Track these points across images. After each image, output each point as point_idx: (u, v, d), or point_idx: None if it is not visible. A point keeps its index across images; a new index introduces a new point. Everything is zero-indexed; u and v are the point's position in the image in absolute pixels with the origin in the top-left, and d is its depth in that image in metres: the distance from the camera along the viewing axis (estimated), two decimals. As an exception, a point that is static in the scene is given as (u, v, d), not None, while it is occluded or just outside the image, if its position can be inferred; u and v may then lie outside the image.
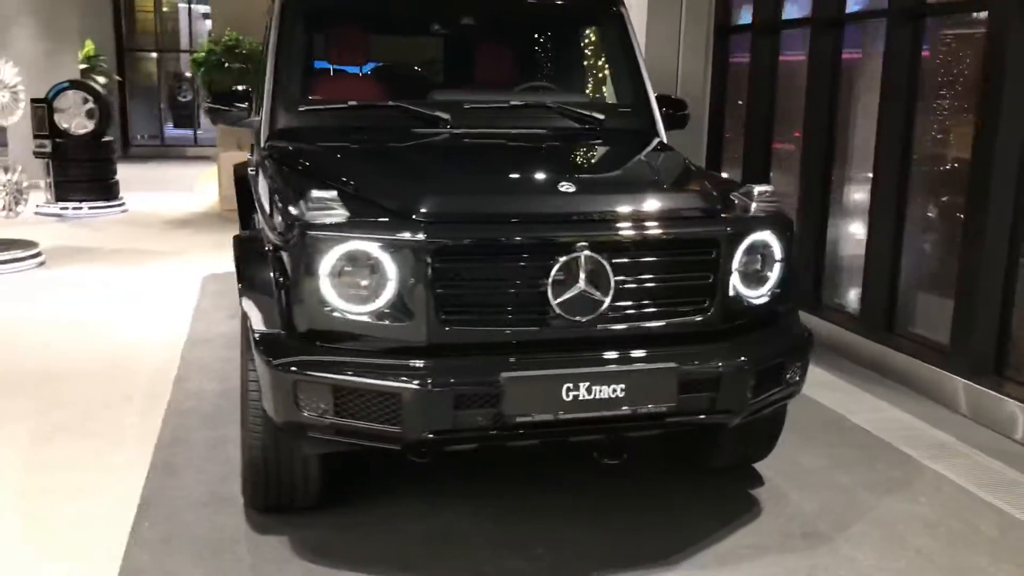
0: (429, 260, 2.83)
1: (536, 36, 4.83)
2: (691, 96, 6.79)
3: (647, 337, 3.05)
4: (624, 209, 3.08)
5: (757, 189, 3.28)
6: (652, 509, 3.57)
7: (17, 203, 8.40)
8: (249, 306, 3.12)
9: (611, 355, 2.97)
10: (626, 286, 3.00)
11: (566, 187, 3.09)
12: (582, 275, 2.92)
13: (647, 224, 3.05)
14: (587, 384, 2.87)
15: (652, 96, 4.37)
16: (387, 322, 2.88)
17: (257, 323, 3.03)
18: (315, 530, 3.32)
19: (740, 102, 6.83)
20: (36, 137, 10.72)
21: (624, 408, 2.92)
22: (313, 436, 2.97)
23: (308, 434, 2.96)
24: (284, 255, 2.98)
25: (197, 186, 13.03)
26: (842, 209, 5.97)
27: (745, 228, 3.15)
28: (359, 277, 2.88)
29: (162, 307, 6.56)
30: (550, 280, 2.90)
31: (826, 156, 5.89)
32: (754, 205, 3.25)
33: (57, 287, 7.17)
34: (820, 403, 4.77)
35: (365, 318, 2.88)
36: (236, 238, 3.60)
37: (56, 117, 10.66)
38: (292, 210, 2.99)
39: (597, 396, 2.89)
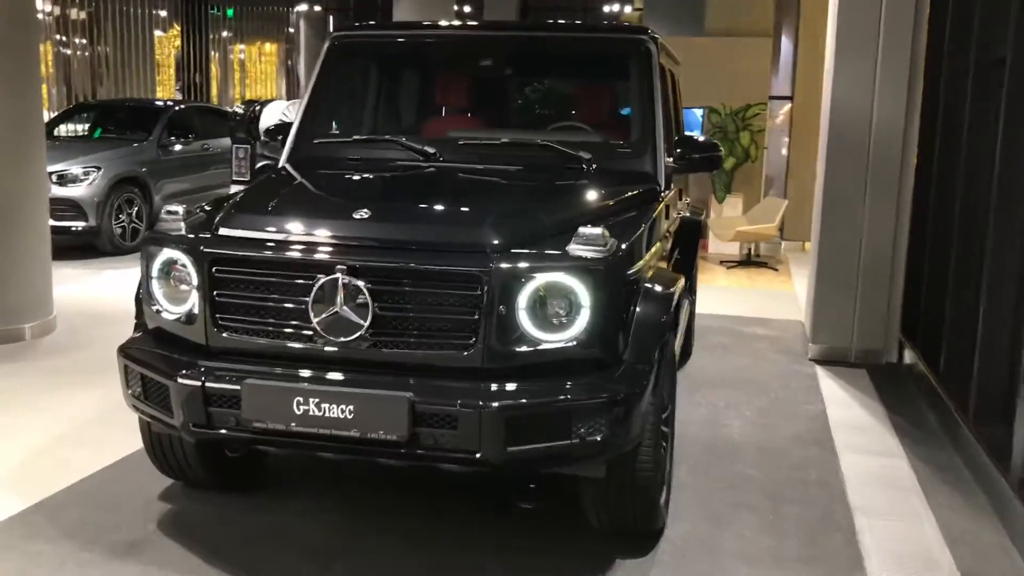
0: (207, 270, 3.19)
1: (567, 77, 4.80)
2: (884, 146, 6.03)
3: (410, 367, 3.07)
4: (395, 238, 3.15)
5: (582, 231, 3.10)
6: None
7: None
8: None
9: (342, 376, 3.06)
10: (387, 313, 3.06)
11: (362, 214, 3.23)
12: (339, 298, 3.05)
13: (408, 255, 3.08)
14: (316, 400, 3.01)
15: (660, 138, 4.17)
16: (185, 323, 3.28)
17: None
18: (198, 503, 3.82)
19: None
20: None
21: (353, 431, 2.99)
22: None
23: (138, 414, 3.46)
24: None
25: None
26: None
27: (529, 268, 3.02)
28: (176, 282, 3.32)
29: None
30: (311, 299, 3.08)
31: None
32: (571, 246, 3.08)
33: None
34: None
35: (175, 319, 3.31)
36: None
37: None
38: None
39: (326, 414, 3.00)
